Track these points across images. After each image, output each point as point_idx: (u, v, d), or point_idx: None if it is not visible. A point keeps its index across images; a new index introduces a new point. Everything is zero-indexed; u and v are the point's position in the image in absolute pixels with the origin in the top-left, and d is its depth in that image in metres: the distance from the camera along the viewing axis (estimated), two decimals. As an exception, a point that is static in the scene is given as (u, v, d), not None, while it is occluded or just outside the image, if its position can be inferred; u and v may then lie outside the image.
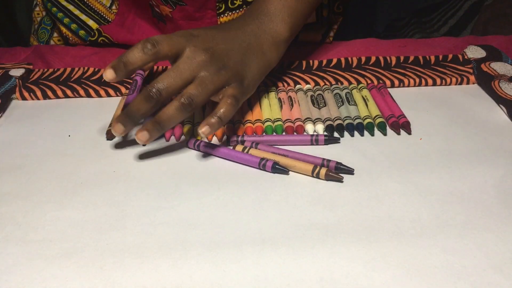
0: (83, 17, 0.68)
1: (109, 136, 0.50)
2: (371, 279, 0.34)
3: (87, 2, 0.68)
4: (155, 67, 0.58)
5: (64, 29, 0.70)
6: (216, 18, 0.62)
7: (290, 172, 0.44)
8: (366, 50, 0.66)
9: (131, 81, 0.59)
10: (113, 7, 0.67)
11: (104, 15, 0.67)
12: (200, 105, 0.45)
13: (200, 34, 0.47)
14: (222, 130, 0.50)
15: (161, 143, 0.49)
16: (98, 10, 0.67)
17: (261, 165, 0.44)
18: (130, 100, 0.54)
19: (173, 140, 0.50)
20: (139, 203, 0.41)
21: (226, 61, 0.46)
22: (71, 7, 0.69)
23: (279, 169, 0.44)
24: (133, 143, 0.49)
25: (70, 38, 0.70)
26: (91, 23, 0.68)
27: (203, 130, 0.43)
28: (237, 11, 0.62)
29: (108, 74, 0.43)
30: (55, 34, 0.74)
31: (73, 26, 0.69)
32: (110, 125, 0.51)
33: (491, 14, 1.00)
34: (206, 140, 0.45)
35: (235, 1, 0.61)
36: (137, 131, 0.43)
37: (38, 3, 0.76)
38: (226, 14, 0.62)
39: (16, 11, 1.11)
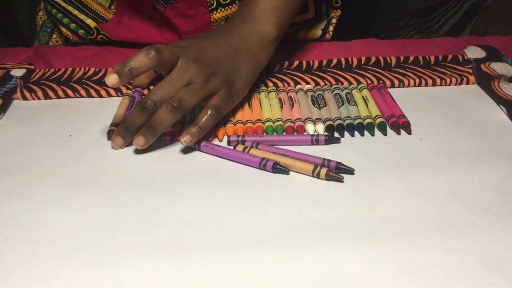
0: (82, 16, 0.69)
1: (110, 136, 0.50)
2: (371, 279, 0.34)
3: (86, 3, 0.69)
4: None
5: (64, 29, 0.70)
6: (209, 15, 0.62)
7: (290, 172, 0.44)
8: (366, 50, 0.66)
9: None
10: (112, 7, 0.68)
11: (102, 15, 0.68)
12: (190, 108, 0.46)
13: (191, 44, 0.49)
14: (223, 130, 0.50)
15: (162, 143, 0.49)
16: (96, 11, 0.68)
17: (262, 165, 0.44)
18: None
19: (173, 140, 0.50)
20: (139, 203, 0.41)
21: (216, 68, 0.48)
22: (70, 8, 0.69)
23: (279, 169, 0.44)
24: (134, 143, 0.49)
25: (71, 38, 0.71)
26: (89, 22, 0.69)
27: (184, 139, 0.46)
28: (229, 7, 0.62)
29: (111, 79, 0.44)
30: (54, 36, 0.75)
31: (72, 25, 0.69)
32: (111, 125, 0.51)
33: (490, 15, 1.00)
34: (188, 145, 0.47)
35: None
36: (134, 137, 0.46)
37: (41, 8, 0.77)
38: (218, 11, 0.62)
39: (17, 12, 1.11)
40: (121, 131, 0.47)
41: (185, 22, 0.63)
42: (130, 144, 0.49)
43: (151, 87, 0.57)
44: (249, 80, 0.52)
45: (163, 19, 0.65)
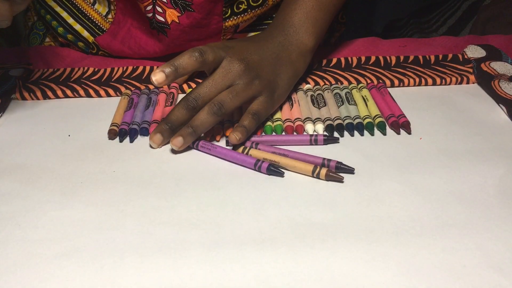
0: (77, 27, 0.65)
1: (111, 135, 0.50)
2: (371, 279, 0.34)
3: (82, 9, 0.64)
4: (186, 87, 0.59)
5: (62, 40, 0.68)
6: (221, 23, 0.61)
7: (289, 172, 0.44)
8: (366, 50, 0.66)
9: (143, 87, 0.60)
10: (109, 16, 0.64)
11: (99, 24, 0.64)
12: (230, 111, 0.48)
13: (234, 45, 0.50)
14: (221, 131, 0.50)
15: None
16: (93, 18, 0.64)
17: (257, 166, 0.44)
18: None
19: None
20: (139, 202, 0.41)
21: (259, 71, 0.49)
22: (64, 14, 0.65)
23: (274, 171, 0.44)
24: (133, 142, 0.49)
25: (71, 47, 0.68)
26: (86, 34, 0.65)
27: (234, 134, 0.46)
28: (242, 15, 0.62)
29: (159, 77, 0.45)
30: (47, 39, 0.72)
31: (69, 36, 0.66)
32: (111, 125, 0.51)
33: (489, 14, 1.00)
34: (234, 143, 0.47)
35: (240, 5, 0.61)
36: (172, 137, 0.46)
37: (30, 7, 0.73)
38: (231, 19, 0.61)
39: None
40: (162, 128, 0.47)
41: (196, 32, 0.61)
42: (129, 144, 0.49)
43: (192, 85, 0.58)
44: (288, 87, 0.53)
45: (161, 36, 0.62)
